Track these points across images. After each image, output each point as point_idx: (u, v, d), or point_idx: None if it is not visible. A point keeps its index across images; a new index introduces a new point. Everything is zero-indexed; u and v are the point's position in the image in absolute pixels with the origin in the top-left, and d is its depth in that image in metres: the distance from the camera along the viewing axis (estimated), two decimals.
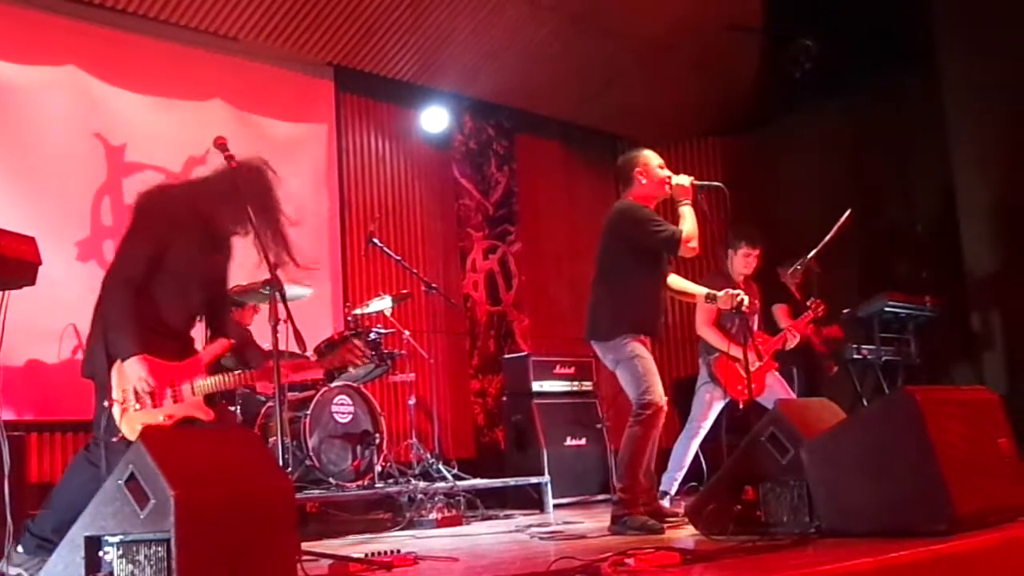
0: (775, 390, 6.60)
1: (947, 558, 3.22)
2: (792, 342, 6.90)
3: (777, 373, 6.79)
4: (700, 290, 5.78)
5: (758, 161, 10.17)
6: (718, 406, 6.67)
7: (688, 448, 6.63)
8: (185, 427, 4.33)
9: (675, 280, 5.73)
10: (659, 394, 5.16)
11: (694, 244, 5.19)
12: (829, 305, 7.16)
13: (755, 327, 6.84)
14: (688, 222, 5.22)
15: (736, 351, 6.49)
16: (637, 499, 5.11)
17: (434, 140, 9.72)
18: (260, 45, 8.32)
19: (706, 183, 5.52)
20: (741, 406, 6.51)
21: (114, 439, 4.20)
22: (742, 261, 6.80)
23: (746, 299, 5.55)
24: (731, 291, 5.60)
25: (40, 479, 6.69)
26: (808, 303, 7.05)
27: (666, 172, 5.43)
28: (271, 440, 5.92)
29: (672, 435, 6.83)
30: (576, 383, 8.17)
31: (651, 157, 5.49)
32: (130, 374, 4.23)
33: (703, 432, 6.66)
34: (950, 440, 3.67)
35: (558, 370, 8.11)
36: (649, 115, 10.18)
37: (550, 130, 10.66)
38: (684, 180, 5.33)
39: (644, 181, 5.43)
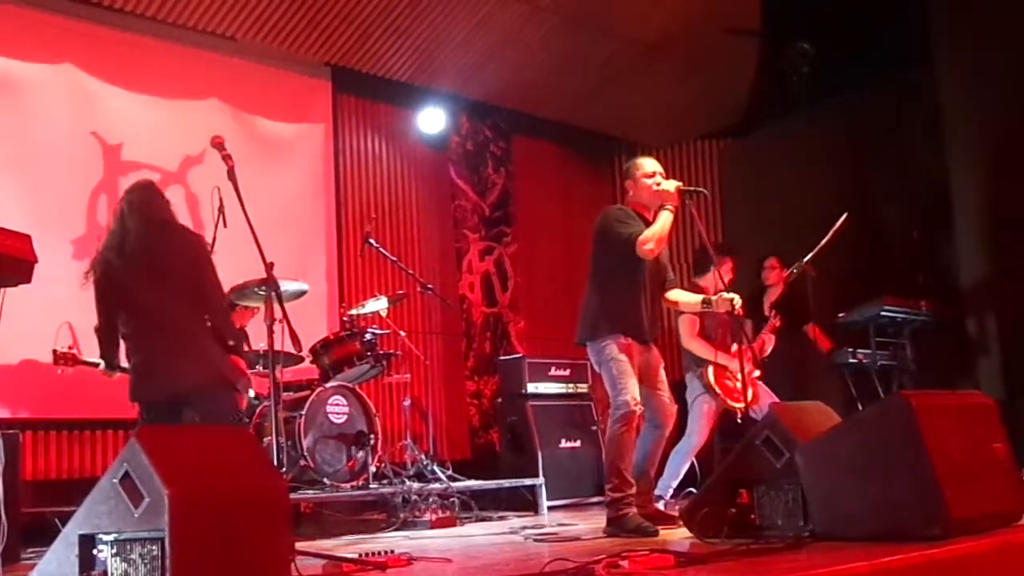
0: (763, 399, 6.62)
1: (941, 563, 3.22)
2: (768, 346, 6.93)
3: (762, 383, 6.81)
4: (696, 298, 5.79)
5: (754, 164, 10.17)
6: (714, 417, 6.68)
7: (685, 460, 6.65)
8: (180, 426, 4.39)
9: (673, 293, 5.72)
10: (632, 395, 5.16)
11: (651, 246, 5.19)
12: (785, 318, 7.22)
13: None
14: (657, 224, 5.23)
15: (724, 359, 6.52)
16: (628, 497, 5.11)
17: (431, 141, 9.71)
18: (257, 45, 8.31)
19: (692, 188, 5.54)
20: (739, 414, 6.51)
21: None
22: (724, 275, 6.80)
23: (738, 301, 5.55)
24: (724, 295, 5.61)
25: (35, 477, 6.69)
26: (768, 313, 7.13)
27: (655, 179, 5.44)
28: (266, 440, 5.91)
29: (671, 439, 6.84)
30: (571, 385, 8.17)
31: (642, 165, 5.51)
32: None
33: (701, 444, 6.68)
34: (945, 445, 3.68)
35: (553, 372, 8.12)
36: (646, 117, 10.20)
37: (547, 132, 10.66)
38: (670, 185, 5.35)
39: (631, 193, 5.51)
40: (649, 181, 5.43)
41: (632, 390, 5.17)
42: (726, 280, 6.80)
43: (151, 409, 4.84)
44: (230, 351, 4.90)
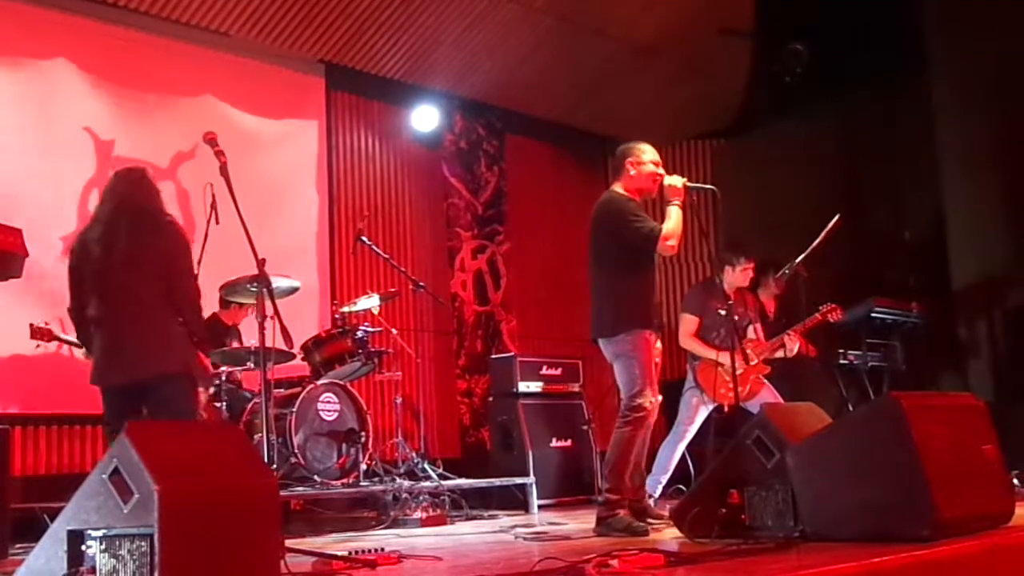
0: (764, 396, 6.62)
1: (930, 564, 3.23)
2: (792, 347, 6.89)
3: (766, 380, 6.80)
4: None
5: (747, 164, 10.19)
6: (704, 411, 6.70)
7: (674, 452, 6.65)
8: (171, 422, 4.37)
9: None
10: (650, 397, 5.13)
11: (673, 243, 5.17)
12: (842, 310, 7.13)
13: (758, 335, 6.89)
14: (672, 221, 5.19)
15: (722, 358, 6.52)
16: (623, 500, 5.10)
17: (424, 139, 9.71)
18: (251, 41, 8.30)
19: (699, 185, 5.52)
20: (726, 410, 6.54)
21: None
22: (742, 276, 6.83)
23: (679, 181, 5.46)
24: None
25: (24, 473, 6.67)
26: (821, 307, 7.01)
27: (659, 170, 5.43)
28: (256, 437, 5.91)
29: (659, 437, 6.85)
30: (562, 384, 8.17)
31: (646, 151, 5.46)
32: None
33: (689, 436, 6.69)
34: (935, 446, 3.69)
35: (544, 371, 8.11)
36: (639, 117, 10.19)
37: (540, 131, 10.66)
38: (676, 181, 5.31)
39: (633, 172, 5.41)
40: (652, 169, 5.40)
41: (652, 391, 5.15)
42: (745, 281, 6.88)
43: (111, 393, 4.78)
44: (197, 346, 4.84)
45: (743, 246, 6.97)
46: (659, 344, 5.42)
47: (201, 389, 5.03)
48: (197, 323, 4.84)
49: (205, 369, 4.99)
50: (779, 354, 6.93)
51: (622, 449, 5.14)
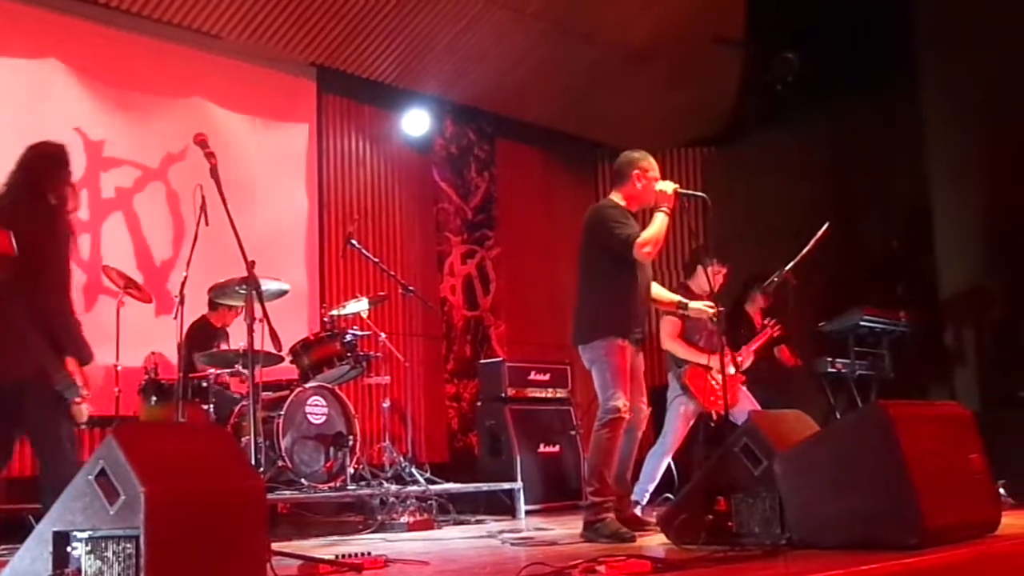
0: (744, 405, 6.62)
1: (917, 572, 3.24)
2: (746, 362, 6.92)
3: (744, 387, 6.81)
4: (672, 297, 5.79)
5: (738, 172, 10.21)
6: (691, 419, 6.68)
7: (661, 461, 6.62)
8: (159, 424, 4.35)
9: (653, 288, 5.71)
10: (624, 402, 5.13)
11: (649, 249, 5.16)
12: (785, 327, 7.19)
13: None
14: (654, 227, 5.18)
15: (712, 361, 6.52)
16: (608, 502, 5.10)
17: (415, 143, 9.70)
18: (243, 43, 8.29)
19: (690, 192, 5.52)
20: (715, 417, 6.53)
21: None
22: (715, 281, 6.82)
23: (712, 312, 5.57)
24: (700, 304, 5.63)
25: (9, 474, 6.60)
26: (765, 322, 7.10)
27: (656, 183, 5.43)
28: (244, 439, 5.89)
29: (646, 445, 6.85)
30: (551, 390, 8.16)
31: (653, 165, 5.47)
32: (95, 375, 4.55)
33: (676, 445, 6.67)
34: (922, 455, 3.70)
35: (533, 376, 8.10)
36: (630, 123, 10.21)
37: (531, 136, 10.67)
38: (667, 187, 5.31)
39: (640, 186, 5.40)
40: (656, 185, 5.40)
41: (624, 396, 5.15)
42: (715, 285, 6.84)
43: None
44: (64, 351, 4.38)
45: (717, 249, 7.00)
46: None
47: (72, 398, 4.38)
48: (62, 327, 4.40)
49: (66, 375, 4.35)
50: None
51: (603, 452, 5.14)
